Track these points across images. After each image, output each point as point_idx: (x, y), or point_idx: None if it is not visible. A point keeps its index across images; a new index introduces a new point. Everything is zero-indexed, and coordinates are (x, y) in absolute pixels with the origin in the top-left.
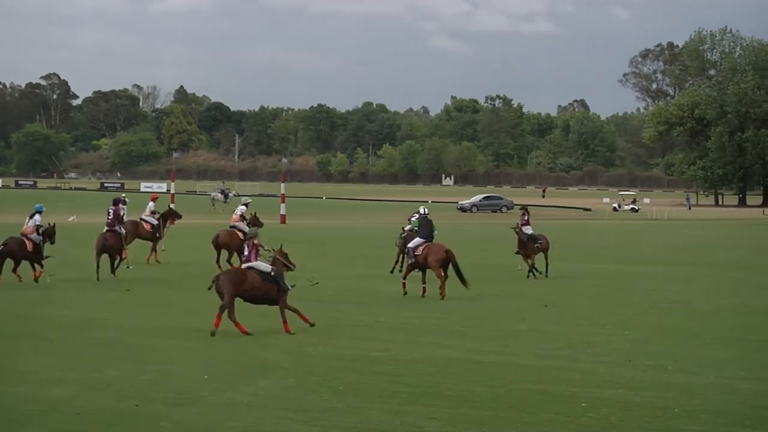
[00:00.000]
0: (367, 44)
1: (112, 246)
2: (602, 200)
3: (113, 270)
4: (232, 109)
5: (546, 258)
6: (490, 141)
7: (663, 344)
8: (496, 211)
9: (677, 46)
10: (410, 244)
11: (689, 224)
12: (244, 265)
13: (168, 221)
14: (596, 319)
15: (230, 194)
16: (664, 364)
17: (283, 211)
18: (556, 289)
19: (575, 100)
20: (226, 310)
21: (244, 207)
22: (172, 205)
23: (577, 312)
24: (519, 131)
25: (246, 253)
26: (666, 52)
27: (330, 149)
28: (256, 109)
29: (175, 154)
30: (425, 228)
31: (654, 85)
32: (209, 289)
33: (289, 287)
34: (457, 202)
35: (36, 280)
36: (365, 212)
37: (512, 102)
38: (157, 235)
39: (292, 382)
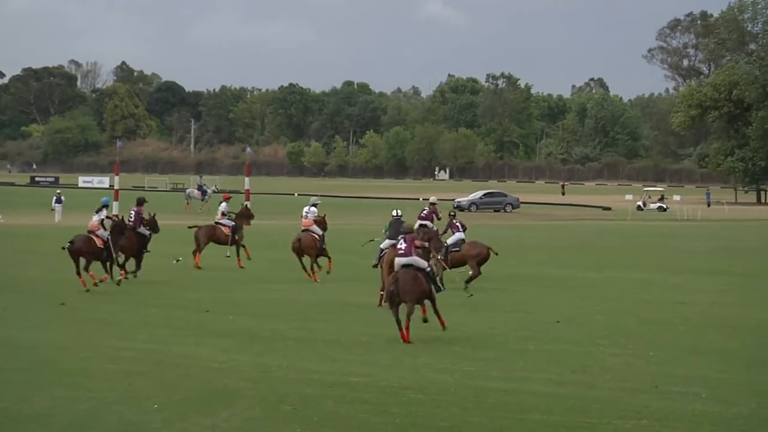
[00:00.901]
0: (347, 13)
1: (131, 247)
2: (624, 197)
3: (136, 269)
4: (186, 90)
5: (473, 269)
6: (492, 128)
7: (694, 367)
8: (499, 210)
9: (712, 15)
10: (382, 245)
11: (725, 226)
12: (402, 260)
13: (243, 223)
14: (616, 337)
15: (209, 190)
16: (697, 391)
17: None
18: (571, 303)
19: (592, 80)
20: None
21: (314, 209)
22: (247, 203)
23: (595, 329)
24: (526, 116)
25: (403, 246)
26: (699, 22)
27: (303, 137)
28: (216, 90)
29: (119, 143)
30: (395, 229)
31: (685, 62)
32: (382, 303)
33: (443, 288)
34: (453, 200)
35: (118, 282)
36: (344, 212)
37: (518, 82)
38: (236, 237)
39: (258, 412)
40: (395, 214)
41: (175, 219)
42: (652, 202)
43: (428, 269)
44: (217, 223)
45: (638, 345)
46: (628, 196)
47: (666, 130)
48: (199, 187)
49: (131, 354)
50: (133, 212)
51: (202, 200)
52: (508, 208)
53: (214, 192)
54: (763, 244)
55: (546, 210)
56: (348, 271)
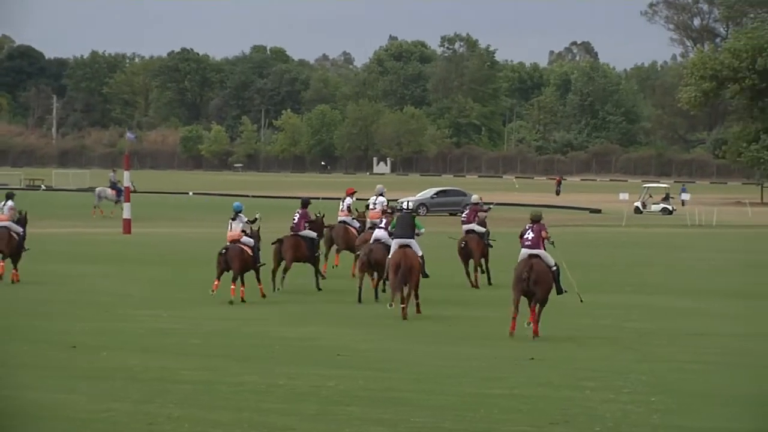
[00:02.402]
0: None
1: (304, 254)
2: (618, 196)
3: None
4: (46, 57)
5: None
6: (446, 106)
7: (711, 418)
8: (455, 213)
9: None
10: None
11: (749, 233)
12: (530, 251)
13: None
14: (609, 378)
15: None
16: None
17: (126, 214)
18: (550, 334)
19: (575, 44)
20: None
21: (383, 198)
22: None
23: (581, 368)
24: (491, 91)
25: (530, 237)
26: None
27: (200, 118)
28: (85, 57)
29: None
30: (403, 226)
31: (696, 21)
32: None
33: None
34: (396, 200)
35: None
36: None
37: (479, 45)
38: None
39: None
40: (405, 207)
41: (72, 225)
42: (655, 203)
43: (554, 268)
44: (343, 222)
45: (637, 388)
46: (624, 195)
47: (672, 110)
48: (113, 185)
49: None
50: (298, 214)
51: (117, 201)
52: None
53: (132, 191)
54: None
55: (518, 213)
56: (270, 294)
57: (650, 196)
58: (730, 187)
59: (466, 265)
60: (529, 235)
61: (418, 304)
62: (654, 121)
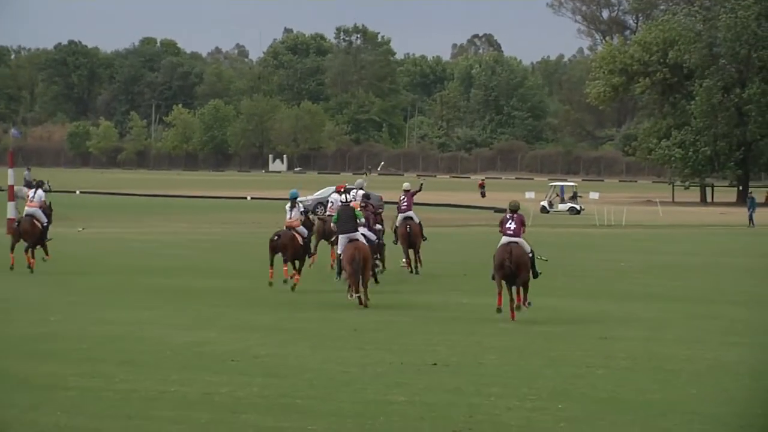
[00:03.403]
0: None
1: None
2: (524, 195)
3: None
4: None
5: None
6: (345, 101)
7: (617, 425)
8: None
9: None
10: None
11: (660, 234)
12: (511, 240)
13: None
14: (513, 384)
15: (39, 188)
16: None
17: (11, 214)
18: (453, 338)
19: (477, 36)
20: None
21: (363, 191)
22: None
23: (485, 374)
24: (390, 85)
25: (512, 227)
26: None
27: (88, 114)
28: None
29: None
30: (345, 218)
31: (605, 13)
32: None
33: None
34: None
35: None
36: (144, 215)
37: (379, 38)
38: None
39: None
40: (345, 200)
41: None
42: (562, 202)
43: (530, 254)
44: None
45: (542, 394)
46: (530, 194)
47: (580, 105)
48: (28, 184)
49: None
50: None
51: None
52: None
53: (47, 191)
54: (709, 259)
55: (419, 212)
56: (166, 295)
57: (557, 195)
58: (641, 186)
59: (407, 251)
60: (511, 225)
61: (366, 297)
62: (561, 117)
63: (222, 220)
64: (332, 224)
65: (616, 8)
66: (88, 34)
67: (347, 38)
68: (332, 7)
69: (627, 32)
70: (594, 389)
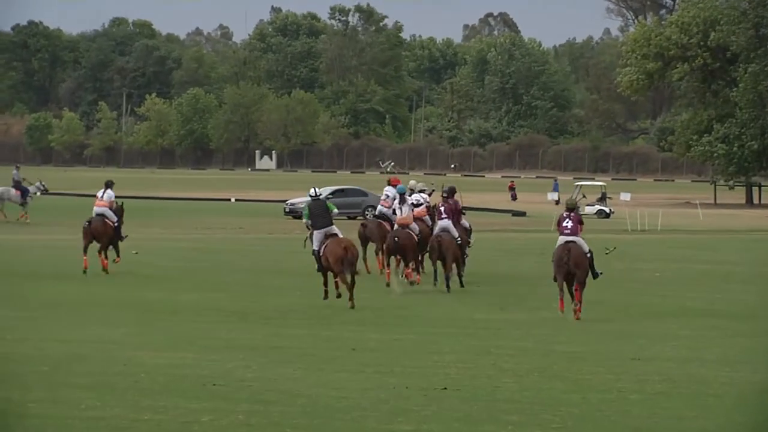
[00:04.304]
0: None
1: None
2: (547, 196)
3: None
4: None
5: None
6: (342, 89)
7: None
8: (355, 217)
9: None
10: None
11: (700, 240)
12: (569, 238)
13: None
14: (535, 411)
15: (31, 189)
16: None
17: None
18: (466, 358)
19: (491, 16)
20: None
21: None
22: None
23: (501, 399)
24: (394, 72)
25: (569, 225)
26: None
27: (50, 104)
28: None
29: None
30: (318, 213)
31: None
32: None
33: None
34: (285, 201)
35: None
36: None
37: (382, 20)
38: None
39: None
40: (314, 193)
41: None
42: (589, 204)
43: (589, 254)
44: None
45: (568, 423)
46: (553, 195)
47: (609, 94)
48: (17, 185)
49: None
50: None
51: (22, 204)
52: (369, 213)
53: (41, 192)
54: (755, 269)
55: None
56: (138, 310)
57: (584, 196)
58: (678, 186)
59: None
60: (568, 223)
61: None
62: (588, 107)
63: (202, 224)
64: (305, 220)
65: None
66: (50, 14)
67: (344, 18)
68: None
69: (663, 11)
70: (626, 417)
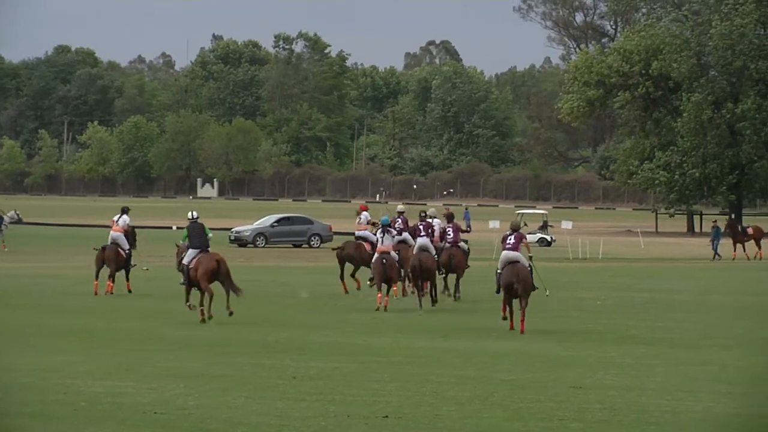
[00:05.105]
0: None
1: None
2: (488, 224)
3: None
4: None
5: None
6: (286, 117)
7: None
8: (300, 245)
9: None
10: (185, 259)
11: (641, 268)
12: (511, 255)
13: None
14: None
15: (6, 218)
16: None
17: None
18: (407, 386)
19: (433, 44)
20: None
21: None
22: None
23: (442, 427)
24: (337, 100)
25: (512, 241)
26: None
27: None
28: None
29: None
30: (195, 236)
31: (578, 17)
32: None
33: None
34: (230, 229)
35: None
36: (54, 247)
37: (326, 47)
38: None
39: None
40: (191, 217)
41: None
42: (530, 232)
43: (529, 267)
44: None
45: None
46: (494, 223)
47: (551, 122)
48: None
49: None
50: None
51: None
52: (315, 241)
53: (12, 221)
54: (696, 297)
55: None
56: (78, 338)
57: (525, 225)
58: (620, 214)
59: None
60: (511, 240)
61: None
62: (529, 135)
63: (144, 252)
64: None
65: (591, 12)
66: None
67: (288, 46)
68: (265, 11)
69: (604, 39)
70: None
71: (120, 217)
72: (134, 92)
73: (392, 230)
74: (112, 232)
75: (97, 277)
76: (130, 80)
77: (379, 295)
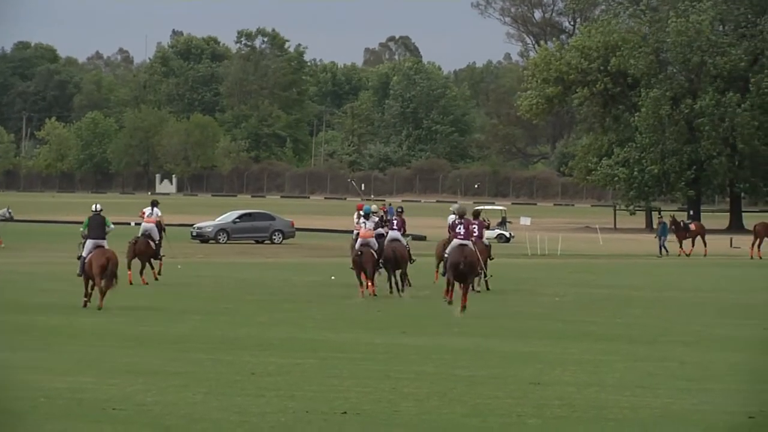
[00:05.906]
0: None
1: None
2: (447, 221)
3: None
4: None
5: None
6: (245, 113)
7: None
8: (263, 241)
9: None
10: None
11: (600, 265)
12: (461, 242)
13: None
14: None
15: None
16: None
17: None
18: (365, 383)
19: (392, 39)
20: None
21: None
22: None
23: (400, 423)
24: (296, 96)
25: (462, 231)
26: None
27: None
28: None
29: None
30: (94, 226)
31: (537, 14)
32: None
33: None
34: (192, 225)
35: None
36: (12, 243)
37: (285, 43)
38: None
39: None
40: (95, 209)
41: None
42: (491, 228)
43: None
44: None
45: None
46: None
47: (509, 119)
48: None
49: None
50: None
51: None
52: (277, 237)
53: (7, 219)
54: (655, 293)
55: (330, 239)
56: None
57: (485, 221)
58: (578, 210)
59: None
60: (461, 229)
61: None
62: (488, 132)
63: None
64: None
65: (549, 8)
66: None
67: (248, 43)
68: (225, 6)
69: (563, 36)
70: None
71: (152, 210)
72: (92, 88)
73: (374, 217)
74: (144, 223)
75: (129, 267)
76: (88, 76)
77: (361, 289)
